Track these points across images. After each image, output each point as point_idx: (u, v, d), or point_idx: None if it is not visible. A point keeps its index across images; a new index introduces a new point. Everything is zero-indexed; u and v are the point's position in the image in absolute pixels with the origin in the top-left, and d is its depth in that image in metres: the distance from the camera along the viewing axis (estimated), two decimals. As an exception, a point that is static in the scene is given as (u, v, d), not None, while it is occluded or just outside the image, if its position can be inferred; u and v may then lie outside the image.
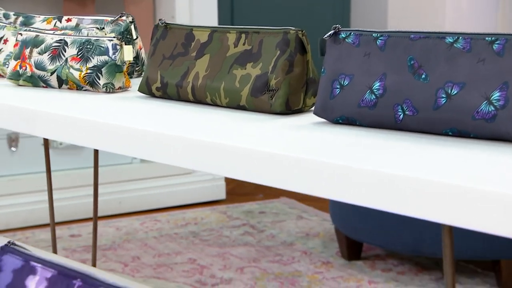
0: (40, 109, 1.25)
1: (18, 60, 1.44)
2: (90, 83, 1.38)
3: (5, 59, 1.53)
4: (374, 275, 2.61)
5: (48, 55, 1.42)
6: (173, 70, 1.29)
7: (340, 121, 1.05)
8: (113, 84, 1.38)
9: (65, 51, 1.41)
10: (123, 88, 1.41)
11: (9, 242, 1.02)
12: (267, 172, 0.93)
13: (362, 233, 2.63)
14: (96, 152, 1.97)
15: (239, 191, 3.74)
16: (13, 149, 3.18)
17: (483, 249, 2.48)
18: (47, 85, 1.43)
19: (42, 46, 1.43)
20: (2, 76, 1.57)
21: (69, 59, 1.40)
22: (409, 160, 0.86)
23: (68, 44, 1.41)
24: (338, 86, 1.05)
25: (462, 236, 2.47)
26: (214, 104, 1.24)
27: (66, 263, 0.99)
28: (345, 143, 0.96)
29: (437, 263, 2.72)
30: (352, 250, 2.77)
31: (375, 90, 1.01)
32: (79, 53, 1.39)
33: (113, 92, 1.39)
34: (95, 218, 1.97)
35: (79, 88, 1.41)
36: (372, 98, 1.01)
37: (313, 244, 2.95)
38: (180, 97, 1.28)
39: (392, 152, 0.91)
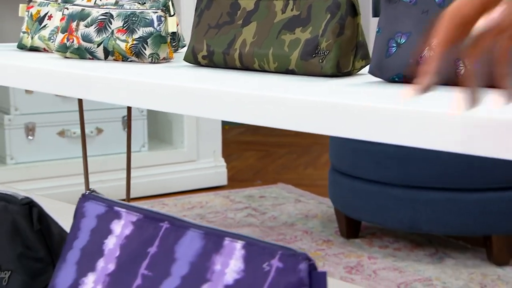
0: (94, 74, 1.19)
1: (65, 33, 1.39)
2: (136, 54, 1.33)
3: (50, 34, 1.47)
4: (372, 251, 2.58)
5: (95, 27, 1.36)
6: (219, 39, 1.24)
7: (396, 79, 1.00)
8: (158, 54, 1.33)
9: (111, 24, 1.35)
10: (167, 59, 1.35)
11: (90, 189, 0.96)
12: (339, 123, 0.89)
13: (361, 212, 2.59)
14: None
15: (238, 177, 3.69)
16: (30, 137, 3.12)
17: (475, 225, 2.45)
18: (93, 57, 1.38)
19: (89, 19, 1.37)
20: (47, 51, 1.51)
21: (115, 31, 1.34)
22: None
23: (114, 16, 1.35)
24: (395, 45, 1.00)
25: (454, 212, 2.44)
26: (262, 69, 1.19)
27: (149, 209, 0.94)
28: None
29: (430, 240, 2.69)
30: (351, 229, 2.73)
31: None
32: (124, 25, 1.34)
33: (158, 63, 1.34)
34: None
35: (124, 59, 1.35)
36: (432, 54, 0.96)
37: (313, 224, 2.90)
38: (227, 65, 1.23)
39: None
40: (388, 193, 2.52)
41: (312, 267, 0.76)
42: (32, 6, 1.52)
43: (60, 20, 1.41)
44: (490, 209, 2.44)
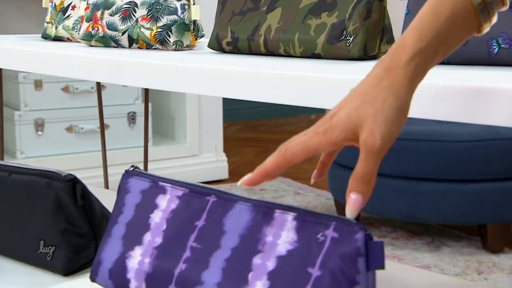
0: (124, 59, 1.16)
1: (90, 22, 1.35)
2: (160, 41, 1.30)
3: (74, 23, 1.44)
4: (372, 240, 2.56)
5: (119, 16, 1.33)
6: (243, 25, 1.21)
7: None
8: (182, 42, 1.30)
9: (135, 12, 1.32)
10: (189, 47, 1.33)
11: (132, 166, 0.93)
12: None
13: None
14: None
15: (239, 171, 3.66)
16: (39, 133, 3.08)
17: (471, 214, 2.43)
18: (118, 45, 1.35)
19: (113, 8, 1.34)
20: (71, 40, 1.48)
21: (139, 19, 1.31)
22: None
23: (138, 5, 1.32)
24: (424, 25, 0.97)
25: (451, 203, 2.42)
26: (287, 54, 1.16)
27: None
28: (439, 71, 0.89)
29: (427, 229, 2.68)
30: (351, 219, 2.71)
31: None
32: (148, 13, 1.31)
33: (181, 50, 1.31)
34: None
35: (148, 47, 1.32)
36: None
37: (313, 215, 2.88)
38: (251, 50, 1.20)
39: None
40: (386, 184, 2.50)
41: (368, 237, 0.72)
42: (56, -3, 1.49)
43: (85, 10, 1.38)
44: (486, 199, 2.43)
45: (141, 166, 3.18)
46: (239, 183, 0.77)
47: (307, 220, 0.77)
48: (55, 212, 0.89)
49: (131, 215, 0.89)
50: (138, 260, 0.86)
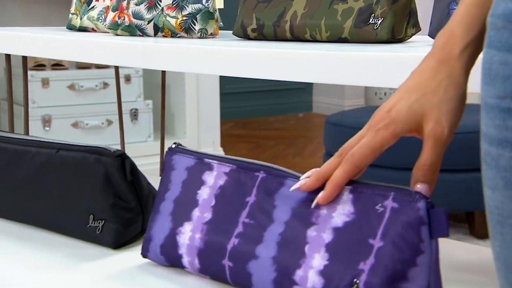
0: (157, 44, 1.13)
1: (116, 12, 1.31)
2: (185, 29, 1.26)
3: (99, 14, 1.40)
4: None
5: (145, 5, 1.29)
6: (269, 12, 1.17)
7: None
8: (207, 29, 1.26)
9: (160, 1, 1.28)
10: (213, 35, 1.29)
11: (175, 143, 0.89)
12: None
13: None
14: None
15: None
16: (46, 128, 3.03)
17: (459, 202, 2.42)
18: (143, 33, 1.31)
19: (139, -3, 1.30)
20: (95, 31, 1.43)
21: (165, 8, 1.27)
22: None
23: (164, -6, 1.28)
24: (455, 7, 0.95)
25: (440, 191, 2.41)
26: (313, 39, 1.13)
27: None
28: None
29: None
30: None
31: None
32: (173, 2, 1.27)
33: (206, 38, 1.27)
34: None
35: (173, 35, 1.28)
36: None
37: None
38: (276, 36, 1.17)
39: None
40: (376, 174, 2.48)
41: (429, 205, 0.68)
42: (79, -11, 1.45)
43: (110, 0, 1.33)
44: (472, 187, 2.42)
45: (143, 160, 3.13)
46: (295, 187, 0.75)
47: (363, 192, 0.73)
48: (104, 187, 0.85)
49: (178, 192, 0.85)
50: (188, 235, 0.81)
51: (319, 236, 0.73)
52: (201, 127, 3.40)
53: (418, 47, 0.98)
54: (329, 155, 2.66)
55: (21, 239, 0.94)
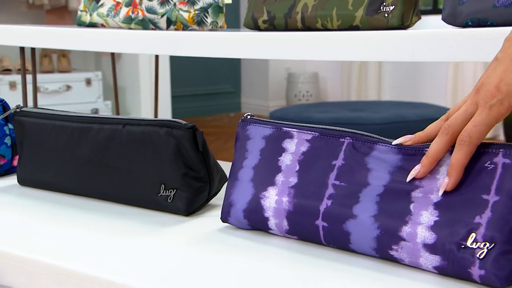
0: (182, 33, 1.06)
1: (130, 7, 1.24)
2: (197, 22, 1.20)
3: (108, 11, 1.31)
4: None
5: (158, 1, 1.22)
6: (279, 4, 1.13)
7: (470, 23, 0.92)
8: (217, 22, 1.20)
9: (172, -3, 1.22)
10: (222, 28, 1.23)
11: (248, 114, 0.82)
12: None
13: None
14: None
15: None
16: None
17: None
18: (156, 27, 1.23)
19: (151, -7, 1.23)
20: (104, 27, 1.35)
21: (177, 3, 1.21)
22: None
23: (175, -9, 1.22)
24: (466, -6, 0.93)
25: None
26: (324, 28, 1.09)
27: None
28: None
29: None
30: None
31: (511, -9, 0.88)
32: (185, -2, 1.21)
33: (216, 30, 1.22)
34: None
35: (185, 28, 1.22)
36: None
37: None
38: (287, 27, 1.12)
39: None
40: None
41: None
42: (87, -11, 1.36)
43: (121, -3, 1.26)
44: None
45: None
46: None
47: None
48: (175, 158, 0.79)
49: (257, 160, 0.78)
50: (274, 199, 0.74)
51: (425, 197, 0.66)
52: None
53: (428, 28, 0.96)
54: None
55: (93, 210, 0.86)
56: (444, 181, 0.65)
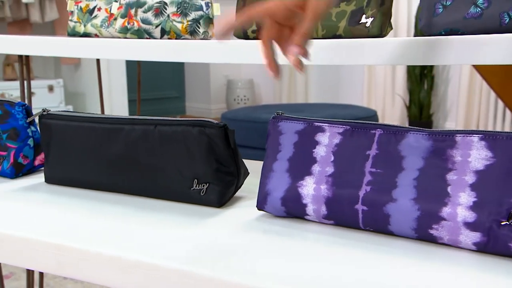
0: (185, 42, 1.05)
1: (125, 18, 1.20)
2: (190, 32, 1.18)
3: (101, 22, 1.27)
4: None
5: (152, 13, 1.20)
6: (267, 16, 1.13)
7: (443, 33, 0.95)
8: (208, 32, 1.20)
9: (166, 9, 1.19)
10: (212, 37, 1.22)
11: (278, 112, 0.80)
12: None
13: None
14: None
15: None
16: None
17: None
18: (151, 36, 1.21)
19: (145, 6, 1.20)
20: (98, 37, 1.31)
21: (170, 15, 1.19)
22: None
23: (168, 4, 1.20)
24: (441, 7, 0.95)
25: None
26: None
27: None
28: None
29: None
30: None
31: (479, 4, 0.91)
32: (178, 10, 1.19)
33: (207, 39, 1.20)
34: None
35: (178, 37, 1.20)
36: (477, 11, 0.91)
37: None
38: (274, 36, 1.13)
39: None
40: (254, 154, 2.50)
41: None
42: (80, 1, 1.31)
43: (117, 9, 1.22)
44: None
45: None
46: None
47: (498, 138, 0.64)
48: (207, 155, 0.77)
49: (291, 152, 0.75)
50: (312, 187, 0.72)
51: (461, 179, 0.65)
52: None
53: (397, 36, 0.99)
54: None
55: (129, 205, 0.82)
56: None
